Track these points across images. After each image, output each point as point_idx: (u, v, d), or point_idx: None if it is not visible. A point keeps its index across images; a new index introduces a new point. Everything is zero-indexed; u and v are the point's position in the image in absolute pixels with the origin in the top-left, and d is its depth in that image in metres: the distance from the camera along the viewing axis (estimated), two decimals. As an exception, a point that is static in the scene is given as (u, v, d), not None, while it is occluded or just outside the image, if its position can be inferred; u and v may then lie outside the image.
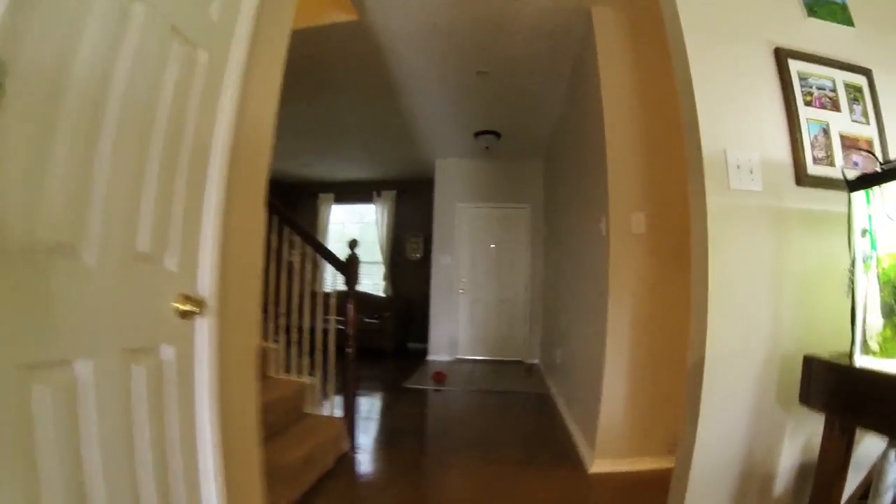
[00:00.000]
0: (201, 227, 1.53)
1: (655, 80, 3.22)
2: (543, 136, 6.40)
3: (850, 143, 1.95)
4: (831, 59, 2.01)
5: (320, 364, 3.54)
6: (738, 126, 1.82)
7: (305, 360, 3.54)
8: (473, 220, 7.69)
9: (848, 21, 2.10)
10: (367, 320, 7.69)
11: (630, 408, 3.09)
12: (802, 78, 1.95)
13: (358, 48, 4.19)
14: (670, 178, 3.16)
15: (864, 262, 1.44)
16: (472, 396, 5.18)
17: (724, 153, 1.77)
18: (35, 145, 0.96)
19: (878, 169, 1.47)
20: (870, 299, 1.42)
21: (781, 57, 1.94)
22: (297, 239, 3.72)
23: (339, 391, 3.55)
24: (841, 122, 1.96)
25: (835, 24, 2.07)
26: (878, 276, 1.41)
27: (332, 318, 3.55)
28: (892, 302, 1.37)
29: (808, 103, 1.93)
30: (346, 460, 3.23)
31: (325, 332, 3.58)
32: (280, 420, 3.11)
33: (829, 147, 1.91)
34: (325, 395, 3.52)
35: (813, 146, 1.88)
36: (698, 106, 1.81)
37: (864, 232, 1.45)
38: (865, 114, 2.01)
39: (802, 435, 1.75)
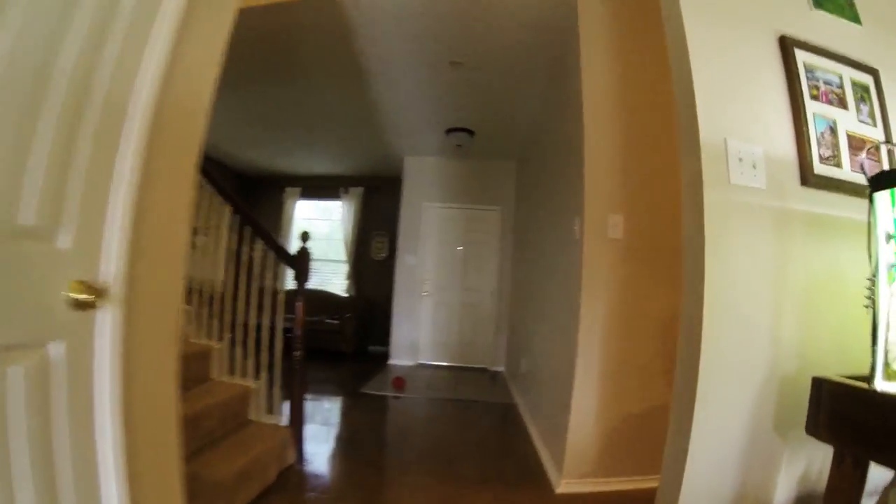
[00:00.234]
0: (109, 200, 1.26)
1: (641, 78, 3.05)
2: (518, 136, 6.20)
3: (857, 145, 1.78)
4: (838, 55, 1.84)
5: (268, 366, 3.23)
6: (740, 115, 1.63)
7: (251, 362, 3.25)
8: (441, 221, 7.44)
9: (855, 18, 1.95)
10: (328, 321, 7.40)
11: (601, 424, 2.87)
12: (809, 70, 1.77)
13: (326, 27, 3.91)
14: (653, 181, 2.98)
15: (888, 271, 1.25)
16: (432, 405, 4.93)
17: (725, 143, 1.57)
18: None
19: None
20: (894, 315, 1.24)
21: (787, 45, 1.76)
22: (260, 232, 3.39)
23: (286, 396, 3.25)
24: (848, 121, 1.79)
25: (842, 20, 1.92)
26: (906, 288, 1.22)
27: (280, 316, 3.24)
28: (925, 319, 1.19)
29: (814, 97, 1.75)
30: (291, 474, 2.94)
31: (273, 331, 3.26)
32: (218, 428, 2.82)
33: (836, 146, 1.73)
34: (270, 401, 3.22)
35: (819, 144, 1.70)
36: (696, 90, 1.60)
37: (888, 237, 1.26)
38: (872, 115, 1.85)
39: (800, 465, 1.56)
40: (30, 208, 1.04)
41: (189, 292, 3.52)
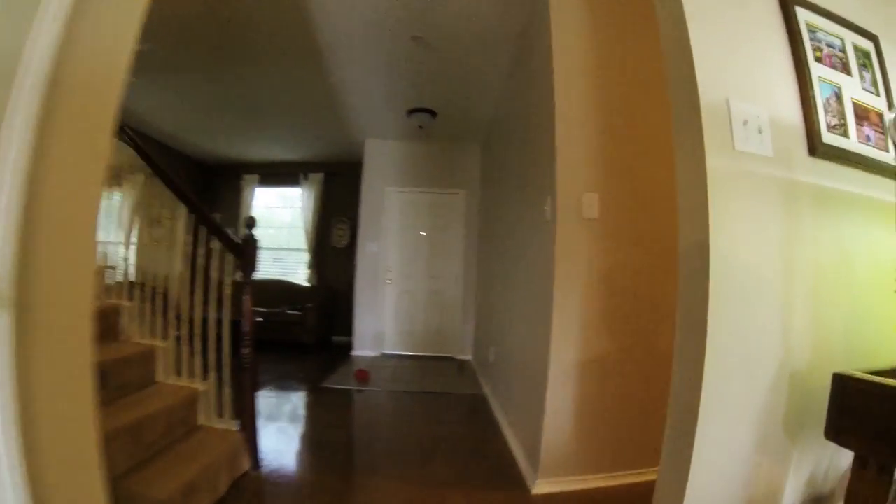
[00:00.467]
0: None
1: (617, 46, 2.86)
2: (483, 117, 5.97)
3: (861, 114, 1.61)
4: (840, 17, 1.68)
5: (224, 365, 2.96)
6: (742, 74, 1.44)
7: (201, 362, 2.97)
8: (403, 206, 7.18)
9: (852, -19, 1.79)
10: (289, 312, 7.11)
11: (579, 419, 2.70)
12: (811, 30, 1.59)
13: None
14: (631, 157, 2.81)
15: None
16: (397, 398, 4.71)
17: (727, 104, 1.38)
18: None
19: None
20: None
21: (788, 2, 1.58)
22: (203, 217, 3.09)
23: (238, 397, 2.99)
24: (853, 89, 1.62)
25: (839, -18, 1.76)
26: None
27: (228, 310, 2.97)
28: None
29: (818, 59, 1.58)
30: (245, 483, 2.69)
31: (220, 327, 2.98)
32: (162, 437, 2.55)
33: (842, 114, 1.57)
34: (220, 403, 2.96)
35: (826, 110, 1.53)
36: (693, 46, 1.40)
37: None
38: (875, 83, 1.69)
39: (808, 467, 1.41)
40: None
41: (130, 287, 3.24)
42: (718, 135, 1.35)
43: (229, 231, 3.14)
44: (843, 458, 1.36)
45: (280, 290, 7.86)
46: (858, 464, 1.17)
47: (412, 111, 5.82)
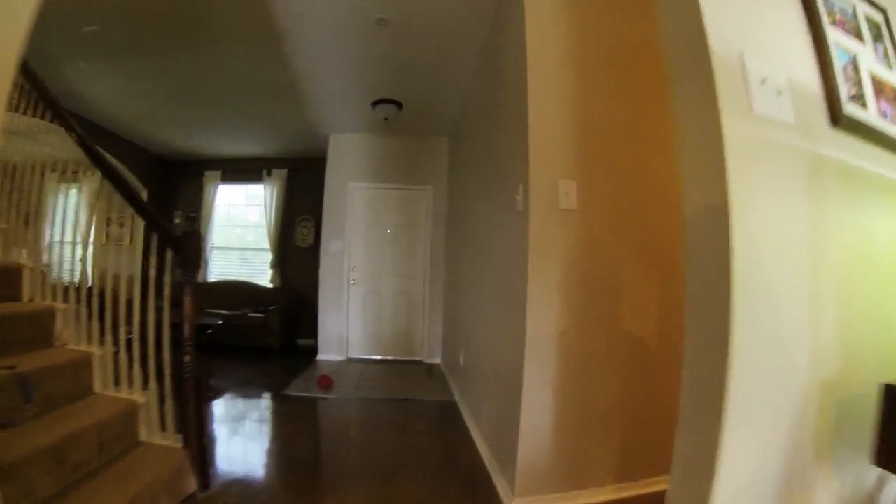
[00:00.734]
0: None
1: (597, 27, 2.66)
2: (451, 109, 5.72)
3: (878, 88, 1.42)
4: (849, -18, 1.49)
5: (156, 374, 2.66)
6: (756, 28, 1.22)
7: (149, 370, 2.67)
8: (369, 202, 6.88)
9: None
10: (251, 314, 6.77)
11: (559, 430, 2.48)
12: (823, -8, 1.41)
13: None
14: (613, 141, 2.60)
15: None
16: (363, 406, 4.44)
17: (742, 59, 1.16)
18: None
19: None
20: None
21: (797, -43, 1.38)
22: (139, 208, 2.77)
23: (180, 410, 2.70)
24: (868, 59, 1.43)
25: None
26: None
27: (167, 312, 2.67)
28: None
29: (833, 23, 1.38)
30: (188, 507, 2.42)
31: (160, 330, 2.69)
32: (93, 458, 2.26)
33: (860, 85, 1.37)
34: (163, 417, 2.66)
35: (845, 78, 1.34)
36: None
37: None
38: (887, 56, 1.51)
39: (835, 490, 1.20)
40: None
41: (66, 289, 2.93)
42: (733, 93, 1.13)
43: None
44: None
45: (243, 292, 7.53)
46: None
47: (377, 102, 5.53)
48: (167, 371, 2.64)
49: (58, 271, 3.11)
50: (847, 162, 1.23)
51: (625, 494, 2.57)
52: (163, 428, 2.66)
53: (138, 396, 2.66)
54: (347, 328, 6.68)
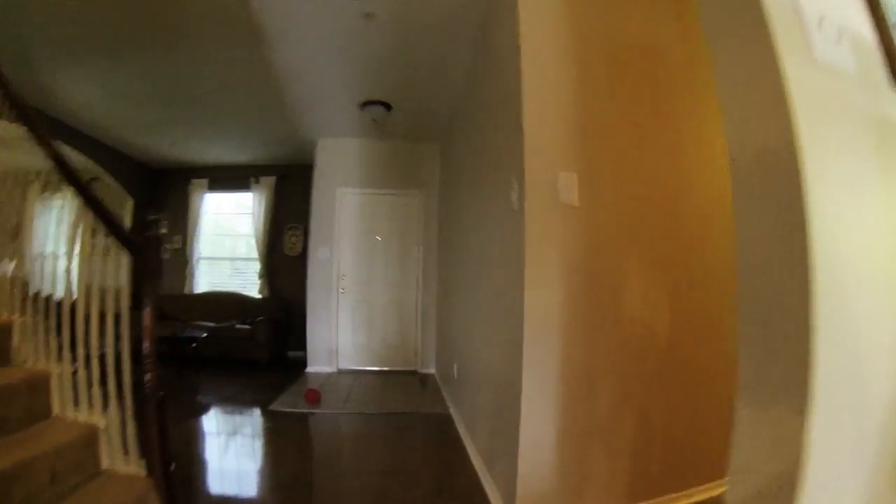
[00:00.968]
0: None
1: (599, 11, 2.46)
2: (442, 111, 5.50)
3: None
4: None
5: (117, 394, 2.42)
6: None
7: (101, 390, 2.44)
8: (357, 208, 6.63)
9: None
10: (238, 326, 6.53)
11: (563, 447, 2.24)
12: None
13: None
14: (617, 133, 2.39)
15: None
16: (352, 421, 4.19)
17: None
18: None
19: None
20: None
21: None
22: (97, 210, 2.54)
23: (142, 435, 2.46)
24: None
25: None
26: None
27: (127, 325, 2.44)
28: None
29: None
30: (148, 543, 2.18)
31: (120, 345, 2.45)
32: (43, 489, 2.02)
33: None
34: (125, 442, 2.42)
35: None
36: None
37: None
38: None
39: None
40: None
41: (23, 299, 2.69)
42: (791, 36, 0.91)
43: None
44: None
45: (231, 303, 7.29)
46: None
47: (365, 104, 5.32)
48: (129, 391, 2.41)
49: (37, 283, 2.87)
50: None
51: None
52: (126, 454, 2.42)
53: (99, 419, 2.43)
54: (337, 339, 6.43)
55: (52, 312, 2.55)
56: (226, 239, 8.11)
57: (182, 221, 7.89)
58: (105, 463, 2.40)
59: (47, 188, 2.85)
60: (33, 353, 2.58)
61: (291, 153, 7.33)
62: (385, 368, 6.43)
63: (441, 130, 6.08)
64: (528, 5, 2.40)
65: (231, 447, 3.55)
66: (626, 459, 2.36)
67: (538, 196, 2.24)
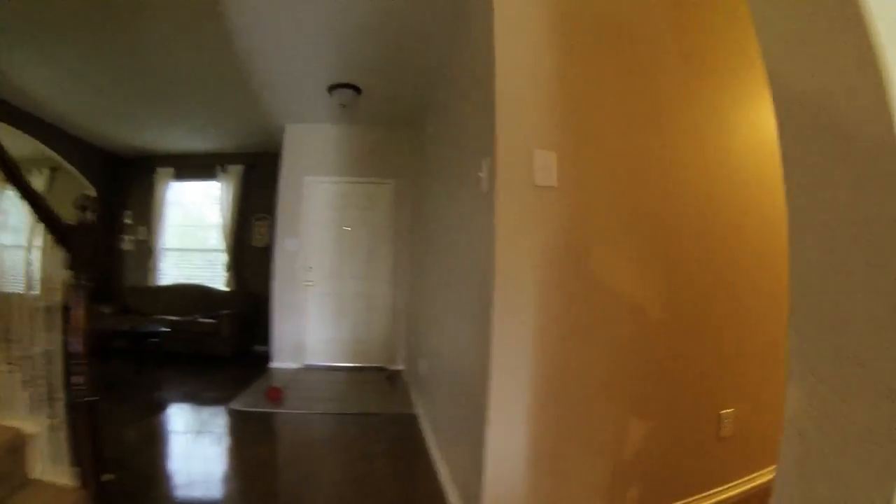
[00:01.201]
0: None
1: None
2: (415, 96, 5.23)
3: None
4: None
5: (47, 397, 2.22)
6: None
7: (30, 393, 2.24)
8: (326, 197, 6.38)
9: None
10: (202, 320, 6.29)
11: (538, 462, 2.05)
12: None
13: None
14: (603, 110, 2.21)
15: None
16: (315, 423, 3.98)
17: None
18: None
19: None
20: None
21: None
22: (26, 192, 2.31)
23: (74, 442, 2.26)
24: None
25: None
26: None
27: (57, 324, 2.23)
28: None
29: None
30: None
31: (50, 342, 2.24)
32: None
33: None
34: (58, 450, 2.23)
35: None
36: None
37: None
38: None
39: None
40: None
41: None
42: None
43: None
44: None
45: (196, 296, 7.05)
46: None
47: (334, 87, 5.08)
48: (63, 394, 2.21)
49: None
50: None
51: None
52: (56, 463, 2.23)
53: (29, 425, 2.23)
54: (303, 333, 6.20)
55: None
56: (193, 229, 7.83)
57: (147, 211, 7.61)
58: (34, 472, 2.20)
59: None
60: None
61: (259, 140, 7.06)
62: (353, 365, 6.21)
63: (414, 116, 5.84)
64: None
65: (183, 451, 3.33)
66: (611, 480, 2.22)
67: (511, 177, 2.03)
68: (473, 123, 2.53)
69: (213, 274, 7.53)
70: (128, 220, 7.70)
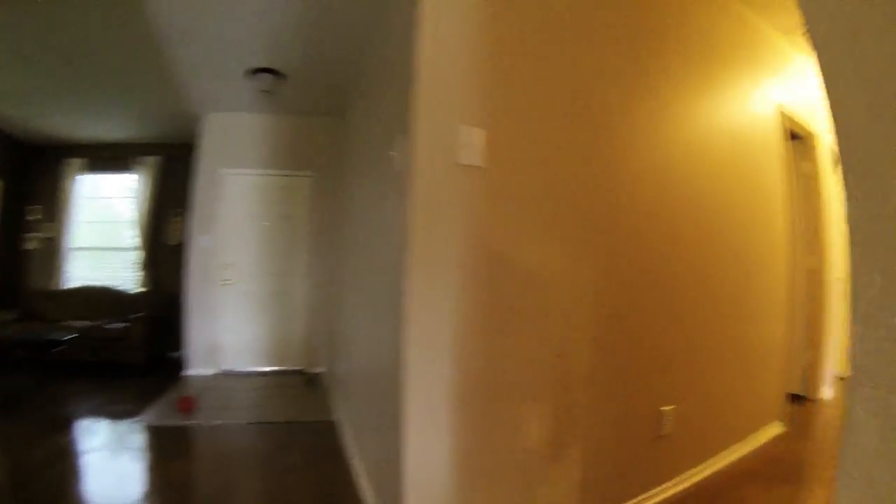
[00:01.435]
0: None
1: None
2: (340, 84, 4.92)
3: None
4: None
5: None
6: None
7: None
8: (244, 191, 6.00)
9: None
10: (108, 326, 5.85)
11: (465, 476, 1.86)
12: None
13: None
14: (541, 87, 2.06)
15: None
16: (229, 435, 3.69)
17: None
18: None
19: None
20: None
21: None
22: None
23: None
24: None
25: None
26: None
27: None
28: None
29: None
30: None
31: None
32: None
33: None
34: None
35: None
36: None
37: None
38: None
39: None
40: None
41: None
42: None
43: None
44: None
45: (106, 300, 6.54)
46: None
47: (254, 71, 4.73)
48: None
49: None
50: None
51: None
52: None
53: None
54: (220, 336, 5.81)
55: None
56: (105, 226, 7.30)
57: (55, 206, 7.01)
58: None
59: None
60: None
61: (178, 130, 6.53)
62: (272, 368, 5.90)
63: (337, 105, 5.51)
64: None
65: (86, 472, 3.06)
66: (541, 472, 2.06)
67: (431, 154, 1.81)
68: (392, 102, 2.31)
69: (127, 275, 7.06)
70: (34, 216, 7.12)
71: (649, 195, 2.46)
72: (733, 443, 3.15)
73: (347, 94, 5.06)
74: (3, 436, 3.56)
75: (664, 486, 2.56)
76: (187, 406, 4.16)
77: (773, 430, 3.59)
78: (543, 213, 2.06)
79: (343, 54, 4.33)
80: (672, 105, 2.65)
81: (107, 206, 7.36)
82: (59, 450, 3.33)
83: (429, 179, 1.81)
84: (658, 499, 2.51)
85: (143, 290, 6.85)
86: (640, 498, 2.42)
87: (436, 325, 1.83)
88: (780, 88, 3.85)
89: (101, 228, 7.26)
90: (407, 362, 1.79)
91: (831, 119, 0.73)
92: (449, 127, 1.84)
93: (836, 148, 0.74)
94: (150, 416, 4.08)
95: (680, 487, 2.63)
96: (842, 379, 4.83)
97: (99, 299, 6.52)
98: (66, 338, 5.29)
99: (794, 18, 3.82)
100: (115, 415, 4.17)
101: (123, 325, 5.83)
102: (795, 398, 4.38)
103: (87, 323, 5.91)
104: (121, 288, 6.78)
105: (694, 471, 2.75)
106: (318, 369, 5.84)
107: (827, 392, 4.65)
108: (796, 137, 4.39)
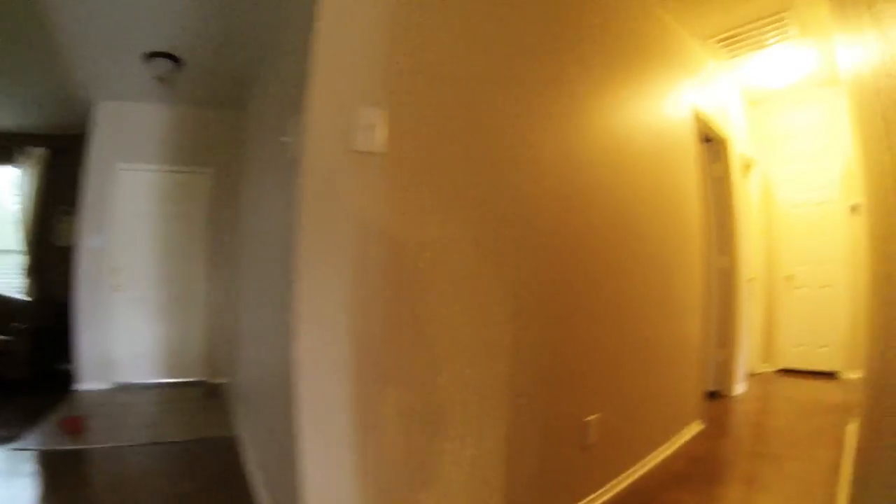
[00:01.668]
0: None
1: None
2: (240, 72, 4.58)
3: None
4: None
5: None
6: None
7: None
8: (139, 188, 5.53)
9: None
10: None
11: (371, 481, 1.65)
12: None
13: None
14: (452, 69, 1.89)
15: None
16: (123, 458, 3.30)
17: None
18: None
19: None
20: None
21: None
22: None
23: None
24: None
25: None
26: None
27: None
28: None
29: None
30: None
31: None
32: None
33: None
34: None
35: None
36: None
37: None
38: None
39: None
40: None
41: None
42: None
43: None
44: None
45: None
46: None
47: (150, 56, 4.32)
48: None
49: None
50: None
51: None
52: None
53: None
54: (113, 347, 5.32)
55: None
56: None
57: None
58: None
59: None
60: None
61: (69, 119, 5.92)
62: (171, 380, 5.48)
63: (240, 98, 5.14)
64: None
65: None
66: (460, 493, 1.91)
67: (325, 138, 1.60)
68: (288, 82, 2.10)
69: (10, 280, 6.36)
70: None
71: (564, 192, 2.37)
72: (658, 445, 3.13)
73: (249, 86, 4.73)
74: None
75: (591, 497, 2.48)
76: (73, 427, 3.73)
77: (694, 428, 3.62)
78: (456, 211, 1.89)
79: (245, 40, 4.02)
80: (590, 100, 2.58)
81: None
82: None
83: (321, 166, 1.60)
84: (587, 510, 2.43)
85: (28, 298, 6.16)
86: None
87: (329, 326, 1.61)
88: (695, 92, 3.90)
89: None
90: (300, 373, 1.57)
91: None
92: (348, 108, 1.64)
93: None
94: (35, 439, 3.63)
95: (608, 496, 2.57)
96: (753, 375, 5.04)
97: (-23, 308, 5.81)
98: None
99: (710, 25, 3.94)
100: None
101: (6, 336, 5.20)
102: (711, 395, 4.48)
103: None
104: (3, 294, 6.07)
105: (621, 478, 2.71)
106: (219, 380, 5.43)
107: (740, 388, 4.81)
108: (709, 140, 4.49)
